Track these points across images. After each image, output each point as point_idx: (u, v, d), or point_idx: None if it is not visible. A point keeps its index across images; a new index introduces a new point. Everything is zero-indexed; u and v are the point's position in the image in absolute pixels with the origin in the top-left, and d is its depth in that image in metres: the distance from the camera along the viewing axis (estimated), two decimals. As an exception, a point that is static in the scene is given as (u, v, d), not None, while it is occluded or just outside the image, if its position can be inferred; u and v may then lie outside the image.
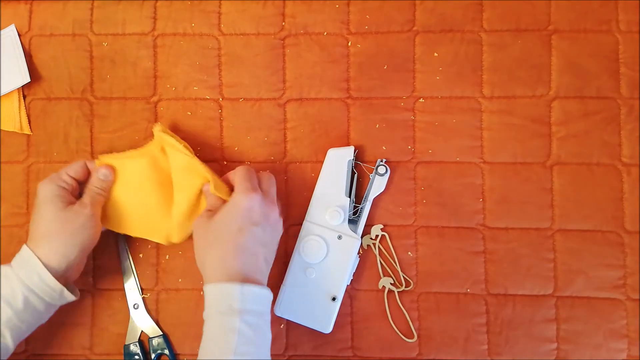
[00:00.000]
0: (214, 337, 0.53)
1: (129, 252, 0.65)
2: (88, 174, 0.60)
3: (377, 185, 0.63)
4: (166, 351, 0.64)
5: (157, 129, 0.60)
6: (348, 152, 0.63)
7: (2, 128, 0.66)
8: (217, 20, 0.67)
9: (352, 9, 0.66)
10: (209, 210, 0.58)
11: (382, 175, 0.63)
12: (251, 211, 0.55)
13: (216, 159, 0.66)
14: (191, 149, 0.61)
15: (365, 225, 0.63)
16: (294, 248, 0.63)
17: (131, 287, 0.65)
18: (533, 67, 0.65)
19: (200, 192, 0.60)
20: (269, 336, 0.55)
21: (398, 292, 0.64)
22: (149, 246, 0.65)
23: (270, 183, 0.59)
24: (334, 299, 0.62)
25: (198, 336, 0.54)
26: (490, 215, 0.64)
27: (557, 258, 0.63)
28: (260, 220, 0.56)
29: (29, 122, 0.67)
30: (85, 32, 0.67)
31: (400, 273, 0.64)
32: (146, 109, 0.66)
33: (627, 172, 0.63)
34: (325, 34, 0.66)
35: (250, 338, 0.52)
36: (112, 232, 0.65)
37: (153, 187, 0.60)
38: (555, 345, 0.63)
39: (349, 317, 0.64)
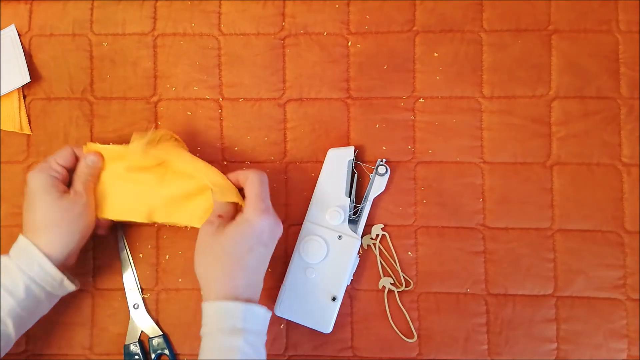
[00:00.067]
0: (215, 356, 0.52)
1: (129, 252, 0.65)
2: (76, 160, 0.60)
3: (377, 185, 0.63)
4: (166, 351, 0.64)
5: (154, 137, 0.59)
6: (348, 152, 0.63)
7: (2, 128, 0.66)
8: (217, 20, 0.67)
9: (352, 9, 0.66)
10: (220, 217, 0.57)
11: (382, 175, 0.63)
12: (262, 232, 0.55)
13: (216, 159, 0.66)
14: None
15: (365, 225, 0.63)
16: (294, 248, 0.63)
17: (131, 287, 0.65)
18: (533, 67, 0.65)
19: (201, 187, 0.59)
20: (264, 355, 0.55)
21: (398, 292, 0.64)
22: (149, 246, 0.65)
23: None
24: (334, 299, 0.62)
25: (198, 336, 0.54)
26: (490, 215, 0.64)
27: (557, 258, 0.63)
28: (268, 241, 0.56)
29: (29, 122, 0.67)
30: (85, 32, 0.67)
31: (400, 273, 0.64)
32: (146, 109, 0.66)
33: (627, 172, 0.63)
34: (325, 34, 0.66)
35: (251, 358, 0.52)
36: (113, 232, 0.65)
37: (134, 172, 0.60)
38: (555, 345, 0.63)
39: (349, 317, 0.64)
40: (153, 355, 0.64)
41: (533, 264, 0.63)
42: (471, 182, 0.64)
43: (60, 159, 0.59)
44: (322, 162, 0.64)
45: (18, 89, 0.66)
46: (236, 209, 0.58)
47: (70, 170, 0.60)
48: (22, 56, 0.66)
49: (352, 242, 0.62)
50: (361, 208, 0.63)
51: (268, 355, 0.63)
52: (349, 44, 0.66)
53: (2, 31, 0.67)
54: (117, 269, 0.65)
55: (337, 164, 0.63)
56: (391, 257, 0.64)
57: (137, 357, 0.64)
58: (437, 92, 0.65)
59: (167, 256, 0.65)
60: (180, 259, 0.65)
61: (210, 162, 0.65)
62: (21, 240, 0.56)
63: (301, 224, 0.63)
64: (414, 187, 0.65)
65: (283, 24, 0.66)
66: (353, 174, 0.63)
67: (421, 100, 0.65)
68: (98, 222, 0.60)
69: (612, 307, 0.63)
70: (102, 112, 0.67)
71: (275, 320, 0.64)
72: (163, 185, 0.60)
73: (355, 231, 0.63)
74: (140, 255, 0.65)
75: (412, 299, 0.64)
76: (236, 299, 0.53)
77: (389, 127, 0.65)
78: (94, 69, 0.67)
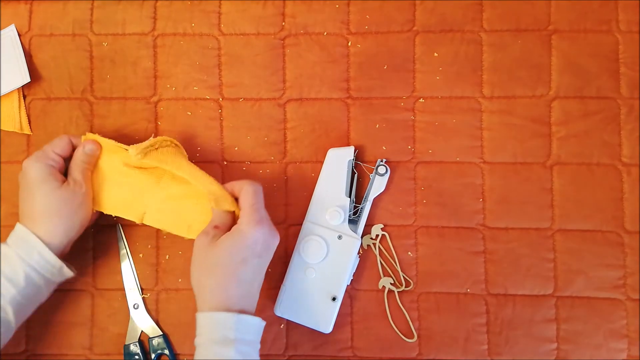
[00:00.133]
0: None
1: (129, 252, 0.65)
2: (73, 149, 0.60)
3: (377, 185, 0.63)
4: (166, 351, 0.64)
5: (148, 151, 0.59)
6: (348, 152, 0.63)
7: (2, 128, 0.66)
8: (217, 20, 0.67)
9: (352, 9, 0.66)
10: (216, 227, 0.56)
11: (382, 175, 0.63)
12: (256, 243, 0.55)
13: (216, 159, 0.66)
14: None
15: (365, 225, 0.63)
16: (294, 248, 0.63)
17: (131, 287, 0.65)
18: (533, 67, 0.65)
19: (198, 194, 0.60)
20: None
21: (398, 292, 0.64)
22: (149, 246, 0.65)
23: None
24: (334, 299, 0.62)
25: (198, 336, 0.55)
26: (490, 215, 0.64)
27: (557, 258, 0.63)
28: (262, 252, 0.56)
29: (29, 122, 0.67)
30: (85, 32, 0.67)
31: (400, 273, 0.64)
32: (146, 109, 0.66)
33: (627, 172, 0.63)
34: (325, 34, 0.66)
35: None
36: (113, 231, 0.65)
37: (131, 168, 0.60)
38: (555, 345, 0.63)
39: (349, 317, 0.64)
40: (153, 355, 0.64)
41: (533, 264, 0.63)
42: (471, 182, 0.64)
43: (57, 147, 0.59)
44: (322, 162, 0.64)
45: (18, 89, 0.66)
46: (234, 220, 0.58)
47: (67, 160, 0.60)
48: (22, 56, 0.66)
49: (352, 242, 0.62)
50: (361, 208, 0.63)
51: (268, 355, 0.64)
52: (349, 44, 0.66)
53: (2, 31, 0.67)
54: (117, 269, 0.65)
55: (337, 164, 0.63)
56: (391, 257, 0.64)
57: (137, 357, 0.64)
58: (437, 92, 0.65)
59: (167, 256, 0.65)
60: (180, 259, 0.65)
61: (210, 162, 0.66)
62: (19, 228, 0.57)
63: (301, 224, 0.63)
64: (414, 187, 0.64)
65: (283, 24, 0.66)
66: (353, 174, 0.63)
67: (421, 100, 0.65)
68: None
69: (612, 307, 0.63)
70: (102, 112, 0.67)
71: (275, 320, 0.64)
72: (159, 187, 0.60)
73: (355, 231, 0.63)
74: (140, 255, 0.65)
75: (412, 299, 0.64)
76: (229, 309, 0.53)
77: (389, 127, 0.65)
78: (94, 69, 0.67)
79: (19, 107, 0.66)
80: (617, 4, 0.64)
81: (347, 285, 0.63)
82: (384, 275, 0.64)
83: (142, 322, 0.65)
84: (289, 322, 0.64)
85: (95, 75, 0.67)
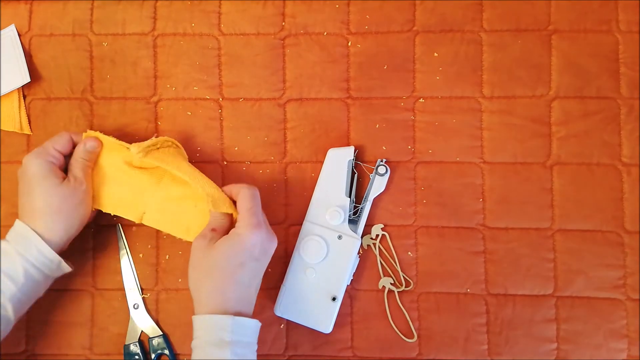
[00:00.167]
0: None
1: (129, 252, 0.65)
2: (73, 146, 0.60)
3: (377, 185, 0.63)
4: (166, 351, 0.64)
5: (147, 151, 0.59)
6: (348, 152, 0.63)
7: (2, 128, 0.66)
8: (217, 20, 0.67)
9: (352, 9, 0.66)
10: (213, 230, 0.56)
11: (382, 175, 0.63)
12: (254, 247, 0.55)
13: (216, 159, 0.66)
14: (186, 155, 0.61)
15: (365, 225, 0.63)
16: (294, 248, 0.63)
17: (131, 287, 0.65)
18: (533, 67, 0.65)
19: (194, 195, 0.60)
20: None
21: (398, 292, 0.64)
22: (149, 246, 0.65)
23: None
24: (334, 299, 0.62)
25: (198, 336, 0.55)
26: (490, 215, 0.64)
27: (557, 258, 0.63)
28: (260, 256, 0.56)
29: (29, 122, 0.67)
30: (85, 32, 0.67)
31: (400, 273, 0.64)
32: (146, 109, 0.66)
33: (627, 172, 0.63)
34: (325, 34, 0.66)
35: None
36: (112, 231, 0.65)
37: (132, 167, 0.60)
38: (555, 345, 0.63)
39: (349, 317, 0.64)
40: (153, 355, 0.64)
41: (533, 264, 0.63)
42: (471, 182, 0.64)
43: (57, 144, 0.59)
44: (322, 162, 0.64)
45: (18, 89, 0.66)
46: (231, 224, 0.58)
47: (67, 157, 0.60)
48: (22, 56, 0.66)
49: (352, 242, 0.62)
50: (361, 208, 0.63)
51: (268, 355, 0.64)
52: (349, 44, 0.66)
53: (2, 31, 0.67)
54: (117, 269, 0.65)
55: (337, 164, 0.63)
56: (391, 257, 0.64)
57: (137, 357, 0.64)
58: (437, 92, 0.65)
59: (167, 256, 0.65)
60: (180, 259, 0.65)
61: (210, 162, 0.66)
62: (18, 225, 0.57)
63: (301, 224, 0.63)
64: (414, 187, 0.64)
65: (283, 24, 0.66)
66: (353, 174, 0.63)
67: (421, 100, 0.65)
68: None
69: (612, 307, 0.63)
70: (102, 112, 0.67)
71: (275, 320, 0.64)
72: (159, 188, 0.60)
73: (355, 231, 0.63)
74: (140, 255, 0.65)
75: (412, 299, 0.64)
76: (225, 312, 0.53)
77: (389, 127, 0.65)
78: (94, 69, 0.67)
79: (19, 107, 0.66)
80: (617, 4, 0.64)
81: (347, 285, 0.63)
82: (384, 275, 0.64)
83: (142, 322, 0.65)
84: (289, 322, 0.64)
85: (95, 75, 0.67)
